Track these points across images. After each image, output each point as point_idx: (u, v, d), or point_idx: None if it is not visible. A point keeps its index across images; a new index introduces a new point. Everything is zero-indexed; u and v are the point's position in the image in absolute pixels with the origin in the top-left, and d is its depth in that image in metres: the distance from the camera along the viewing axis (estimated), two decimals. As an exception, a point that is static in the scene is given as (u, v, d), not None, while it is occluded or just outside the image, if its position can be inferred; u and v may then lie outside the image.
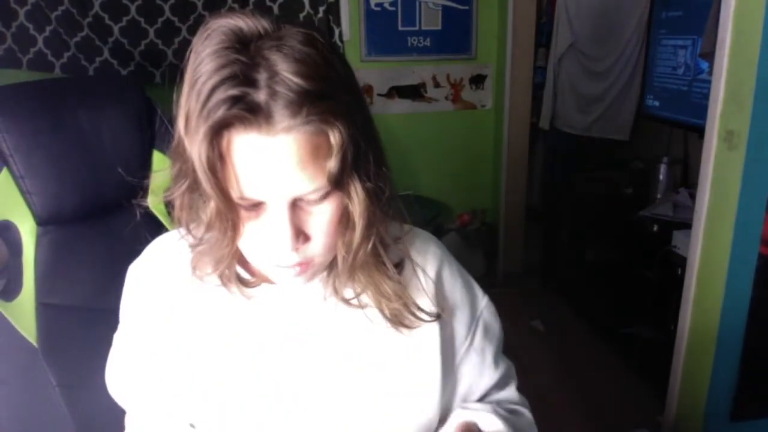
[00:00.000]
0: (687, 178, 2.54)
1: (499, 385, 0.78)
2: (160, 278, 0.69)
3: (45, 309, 1.02)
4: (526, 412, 0.79)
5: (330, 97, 0.51)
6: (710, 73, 1.85)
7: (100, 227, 1.09)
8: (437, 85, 3.04)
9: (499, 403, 0.76)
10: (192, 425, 0.67)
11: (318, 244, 0.58)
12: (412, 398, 0.68)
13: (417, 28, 2.92)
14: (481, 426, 0.68)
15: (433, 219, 2.97)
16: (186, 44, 0.65)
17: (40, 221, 1.03)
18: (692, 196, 2.10)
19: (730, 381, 1.76)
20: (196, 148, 0.50)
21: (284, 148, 0.50)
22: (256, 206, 0.55)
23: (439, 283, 0.71)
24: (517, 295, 3.02)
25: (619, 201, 2.60)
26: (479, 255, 3.17)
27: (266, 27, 0.52)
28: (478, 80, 3.08)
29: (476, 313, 0.74)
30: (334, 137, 0.52)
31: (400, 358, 0.68)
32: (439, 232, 3.04)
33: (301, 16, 2.65)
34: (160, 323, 0.68)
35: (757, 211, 1.60)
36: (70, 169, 1.05)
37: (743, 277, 1.65)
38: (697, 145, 1.99)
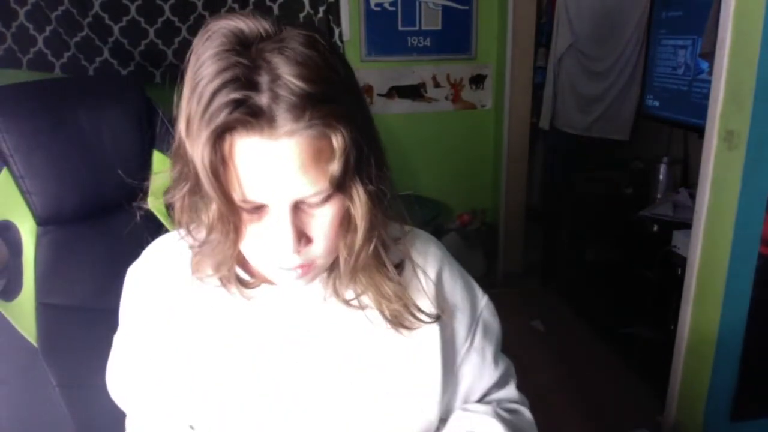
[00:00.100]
0: (687, 178, 2.54)
1: (499, 384, 0.78)
2: (160, 280, 0.69)
3: (45, 309, 1.02)
4: (526, 412, 0.79)
5: (332, 100, 0.51)
6: (710, 73, 1.85)
7: (100, 227, 1.09)
8: (437, 85, 3.04)
9: (499, 402, 0.76)
10: (192, 426, 0.67)
11: (320, 247, 0.57)
12: (413, 399, 0.68)
13: (417, 28, 2.92)
14: None
15: (433, 219, 2.97)
16: (186, 44, 0.64)
17: (40, 221, 1.03)
18: (692, 196, 2.10)
19: (730, 381, 1.76)
20: (198, 151, 0.50)
21: (287, 152, 0.50)
22: (258, 209, 0.54)
23: (439, 284, 0.71)
24: (517, 295, 3.01)
25: (619, 201, 2.60)
26: (479, 255, 3.17)
27: (267, 28, 0.51)
28: (478, 80, 3.07)
29: (476, 314, 0.75)
30: (337, 141, 0.51)
31: (401, 359, 0.68)
32: (439, 232, 3.04)
33: (301, 16, 2.65)
34: (160, 324, 0.68)
35: (757, 211, 1.60)
36: (70, 169, 1.05)
37: (743, 277, 1.65)
38: (697, 145, 1.99)
